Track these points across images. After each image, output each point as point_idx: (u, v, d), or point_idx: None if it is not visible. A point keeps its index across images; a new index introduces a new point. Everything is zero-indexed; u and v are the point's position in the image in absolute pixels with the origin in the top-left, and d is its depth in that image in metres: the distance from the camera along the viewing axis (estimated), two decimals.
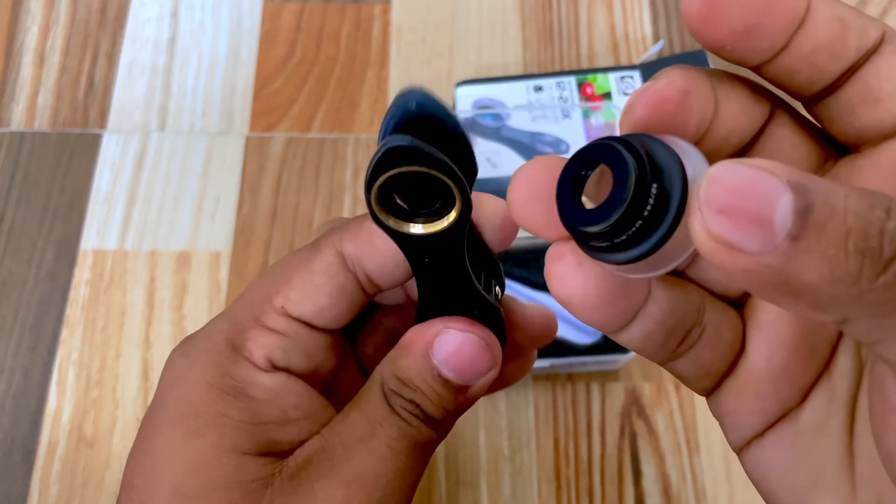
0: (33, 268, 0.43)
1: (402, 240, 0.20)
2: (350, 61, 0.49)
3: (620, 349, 0.39)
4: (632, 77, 0.44)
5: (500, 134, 0.42)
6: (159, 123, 0.47)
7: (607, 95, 0.44)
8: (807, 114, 0.17)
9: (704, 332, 0.17)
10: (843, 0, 0.15)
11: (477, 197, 0.20)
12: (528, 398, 0.40)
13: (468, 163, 0.18)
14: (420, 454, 0.21)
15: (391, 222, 0.19)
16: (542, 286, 0.42)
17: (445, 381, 0.21)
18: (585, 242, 0.15)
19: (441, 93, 0.48)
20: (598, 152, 0.14)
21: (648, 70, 0.44)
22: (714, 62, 0.48)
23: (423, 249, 0.20)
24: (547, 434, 0.40)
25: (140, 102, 0.48)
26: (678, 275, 0.18)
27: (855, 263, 0.12)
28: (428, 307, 0.22)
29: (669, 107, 0.15)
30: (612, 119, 0.42)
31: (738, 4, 0.14)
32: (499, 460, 0.39)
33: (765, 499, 0.18)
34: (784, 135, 0.17)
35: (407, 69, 0.49)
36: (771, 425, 0.18)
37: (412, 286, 0.24)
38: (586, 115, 0.42)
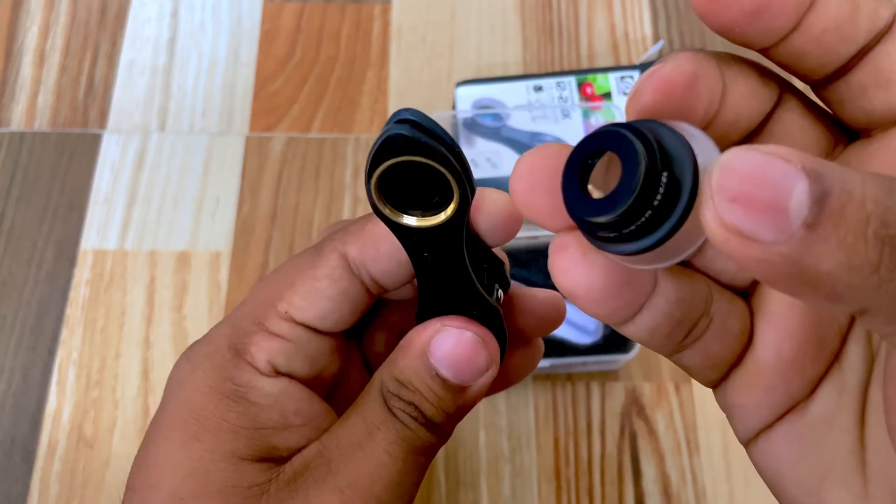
0: (33, 268, 0.43)
1: (401, 232, 0.20)
2: (350, 61, 0.49)
3: (620, 349, 0.39)
4: (632, 77, 0.44)
5: (500, 134, 0.42)
6: (159, 123, 0.47)
7: (607, 95, 0.44)
8: (816, 98, 0.17)
9: (712, 323, 0.17)
10: None
11: (479, 191, 0.20)
12: (528, 398, 0.40)
13: (466, 173, 0.18)
14: (419, 459, 0.21)
15: (388, 212, 0.19)
16: (541, 286, 0.42)
17: (444, 382, 0.20)
18: (592, 233, 0.14)
19: (441, 93, 0.48)
20: (606, 139, 0.14)
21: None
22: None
23: (422, 243, 0.20)
24: (547, 434, 0.40)
25: (140, 102, 0.48)
26: (684, 265, 0.17)
27: (874, 251, 0.11)
28: (428, 307, 0.22)
29: (677, 91, 0.14)
30: (611, 119, 0.42)
31: None
32: (499, 460, 0.39)
33: (773, 492, 0.18)
34: (793, 119, 0.16)
35: (407, 69, 0.49)
36: (779, 417, 0.17)
37: None
38: (586, 115, 0.42)
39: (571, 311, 0.41)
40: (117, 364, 0.41)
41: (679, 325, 0.16)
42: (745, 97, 0.15)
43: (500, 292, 0.23)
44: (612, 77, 0.44)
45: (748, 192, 0.11)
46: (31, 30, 0.49)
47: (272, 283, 0.22)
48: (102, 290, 0.43)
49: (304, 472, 0.20)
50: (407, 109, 0.18)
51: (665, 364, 0.41)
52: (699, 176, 0.13)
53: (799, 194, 0.11)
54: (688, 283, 0.17)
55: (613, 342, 0.39)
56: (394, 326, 0.25)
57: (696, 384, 0.41)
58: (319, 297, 0.21)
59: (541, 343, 0.26)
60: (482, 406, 0.40)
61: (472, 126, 0.42)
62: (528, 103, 0.43)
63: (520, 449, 0.40)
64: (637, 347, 0.39)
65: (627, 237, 0.13)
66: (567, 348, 0.39)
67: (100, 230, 0.44)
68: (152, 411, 0.40)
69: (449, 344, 0.20)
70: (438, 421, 0.21)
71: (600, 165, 0.15)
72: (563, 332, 0.40)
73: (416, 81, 0.48)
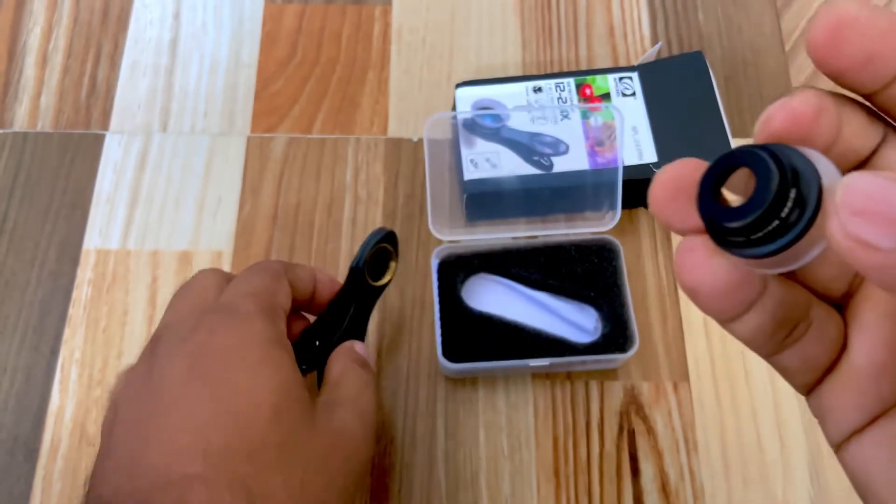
0: (36, 267, 0.43)
1: (364, 288, 0.36)
2: (351, 62, 0.49)
3: (619, 348, 0.39)
4: (630, 78, 0.44)
5: (500, 134, 0.42)
6: (161, 124, 0.47)
7: (606, 96, 0.44)
8: None
9: (811, 326, 0.19)
10: None
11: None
12: (528, 397, 0.41)
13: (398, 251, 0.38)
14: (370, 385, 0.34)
15: (370, 278, 0.36)
16: (540, 286, 0.42)
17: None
18: (722, 237, 0.16)
19: (441, 93, 0.48)
20: (743, 157, 0.16)
21: (647, 71, 0.44)
22: (714, 66, 0.48)
23: (364, 294, 0.36)
24: (546, 432, 0.40)
25: (142, 103, 0.48)
26: (789, 276, 0.19)
27: None
28: (327, 329, 0.35)
29: (804, 120, 0.16)
30: (610, 119, 0.42)
31: (860, 34, 0.16)
32: (498, 459, 0.40)
33: (862, 495, 0.19)
34: (895, 157, 0.18)
35: (407, 70, 0.49)
36: (871, 422, 0.18)
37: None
38: (585, 115, 0.43)
39: (571, 311, 0.42)
40: (119, 363, 0.41)
41: (782, 325, 0.18)
42: (856, 133, 0.17)
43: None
44: (611, 78, 0.44)
45: (870, 206, 0.13)
46: (33, 31, 0.50)
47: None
48: (105, 290, 0.43)
49: (330, 401, 0.32)
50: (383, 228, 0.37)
51: (663, 363, 0.42)
52: (823, 194, 0.15)
53: None
54: (791, 289, 0.18)
55: (612, 341, 0.40)
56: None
57: (694, 383, 0.41)
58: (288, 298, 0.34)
59: None
60: (482, 405, 0.41)
61: (472, 127, 0.42)
62: (527, 104, 0.43)
63: (519, 447, 0.40)
64: (635, 347, 0.39)
65: (755, 242, 0.16)
66: (566, 347, 0.40)
67: (102, 230, 0.44)
68: None
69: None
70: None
71: (737, 178, 0.16)
72: (562, 331, 0.41)
73: (416, 82, 0.49)
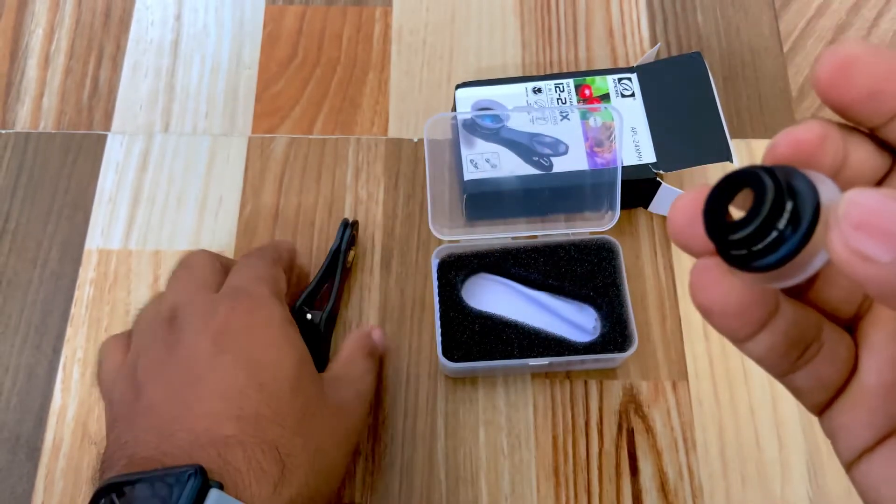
0: (38, 267, 0.44)
1: (341, 265, 0.43)
2: (351, 63, 0.49)
3: (618, 348, 0.40)
4: (629, 79, 0.44)
5: (500, 135, 0.43)
6: (163, 125, 0.47)
7: (605, 97, 0.44)
8: None
9: (823, 347, 0.19)
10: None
11: None
12: (527, 396, 0.41)
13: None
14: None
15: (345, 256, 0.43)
16: (540, 286, 0.42)
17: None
18: (727, 252, 0.17)
19: (441, 94, 0.48)
20: (743, 175, 0.17)
21: (646, 72, 0.45)
22: (715, 69, 0.48)
23: (341, 273, 0.42)
24: (545, 431, 0.40)
25: (144, 104, 0.48)
26: (799, 294, 0.20)
27: None
28: (311, 301, 0.41)
29: (808, 147, 0.17)
30: (609, 120, 0.42)
31: (864, 73, 0.16)
32: (498, 457, 0.40)
33: None
34: None
35: (407, 71, 0.49)
36: (881, 440, 0.19)
37: None
38: (584, 116, 0.43)
39: (570, 311, 0.42)
40: None
41: (794, 345, 0.19)
42: (862, 161, 0.18)
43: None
44: (611, 79, 0.44)
45: (870, 221, 0.14)
46: (35, 32, 0.50)
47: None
48: (107, 290, 0.43)
49: (336, 378, 0.36)
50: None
51: (662, 363, 0.42)
52: (819, 208, 0.15)
53: None
54: (803, 311, 0.19)
55: (611, 341, 0.40)
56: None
57: (692, 382, 0.41)
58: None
59: None
60: (482, 403, 0.41)
61: (472, 127, 0.43)
62: (527, 105, 0.44)
63: (519, 446, 0.40)
64: (634, 346, 0.39)
65: (756, 255, 0.16)
66: (565, 347, 0.40)
67: (104, 230, 0.45)
68: None
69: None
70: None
71: (741, 197, 0.17)
72: (561, 330, 0.41)
73: (416, 83, 0.49)
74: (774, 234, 0.16)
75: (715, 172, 0.44)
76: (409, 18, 0.51)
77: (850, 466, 0.19)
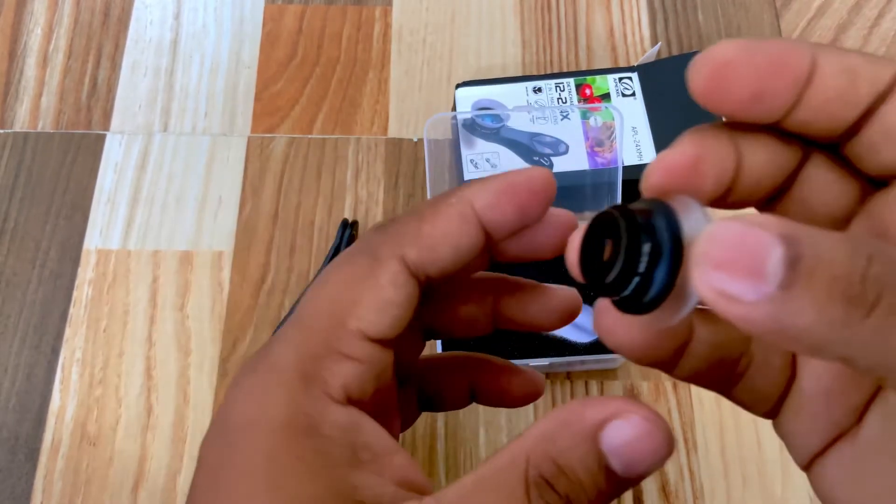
0: (37, 267, 0.43)
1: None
2: (351, 63, 0.49)
3: None
4: (630, 78, 0.44)
5: (500, 135, 0.42)
6: (162, 124, 0.47)
7: (606, 97, 0.44)
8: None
9: (753, 361, 0.19)
10: (851, 51, 0.16)
11: None
12: None
13: None
14: None
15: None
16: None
17: (609, 474, 0.17)
18: (607, 297, 0.16)
19: (441, 94, 0.48)
20: (601, 220, 0.16)
21: (646, 71, 0.44)
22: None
23: None
24: None
25: (143, 104, 0.48)
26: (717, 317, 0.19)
27: (841, 309, 0.12)
28: None
29: (681, 172, 0.16)
30: (610, 120, 0.42)
31: (741, 74, 0.15)
32: None
33: None
34: (820, 174, 0.17)
35: (407, 71, 0.49)
36: (830, 444, 0.18)
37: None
38: (585, 115, 0.43)
39: None
40: (120, 363, 0.41)
41: (719, 366, 0.18)
42: (763, 162, 0.17)
43: None
44: (611, 78, 0.44)
45: (730, 258, 0.13)
46: (34, 31, 0.50)
47: (331, 301, 0.20)
48: (106, 290, 0.43)
49: None
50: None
51: None
52: (681, 244, 0.14)
53: (775, 259, 0.12)
54: (723, 329, 0.18)
55: None
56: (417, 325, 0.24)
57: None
58: (390, 307, 0.20)
59: (538, 375, 0.27)
60: (482, 405, 0.41)
61: (472, 127, 0.43)
62: (527, 104, 0.44)
63: None
64: None
65: (627, 300, 0.15)
66: (566, 347, 0.40)
67: (103, 230, 0.44)
68: (155, 409, 0.40)
69: (627, 433, 0.16)
70: None
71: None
72: (562, 331, 0.41)
73: (416, 83, 0.49)
74: (637, 279, 0.15)
75: None
76: (409, 18, 0.51)
77: (805, 469, 0.19)
